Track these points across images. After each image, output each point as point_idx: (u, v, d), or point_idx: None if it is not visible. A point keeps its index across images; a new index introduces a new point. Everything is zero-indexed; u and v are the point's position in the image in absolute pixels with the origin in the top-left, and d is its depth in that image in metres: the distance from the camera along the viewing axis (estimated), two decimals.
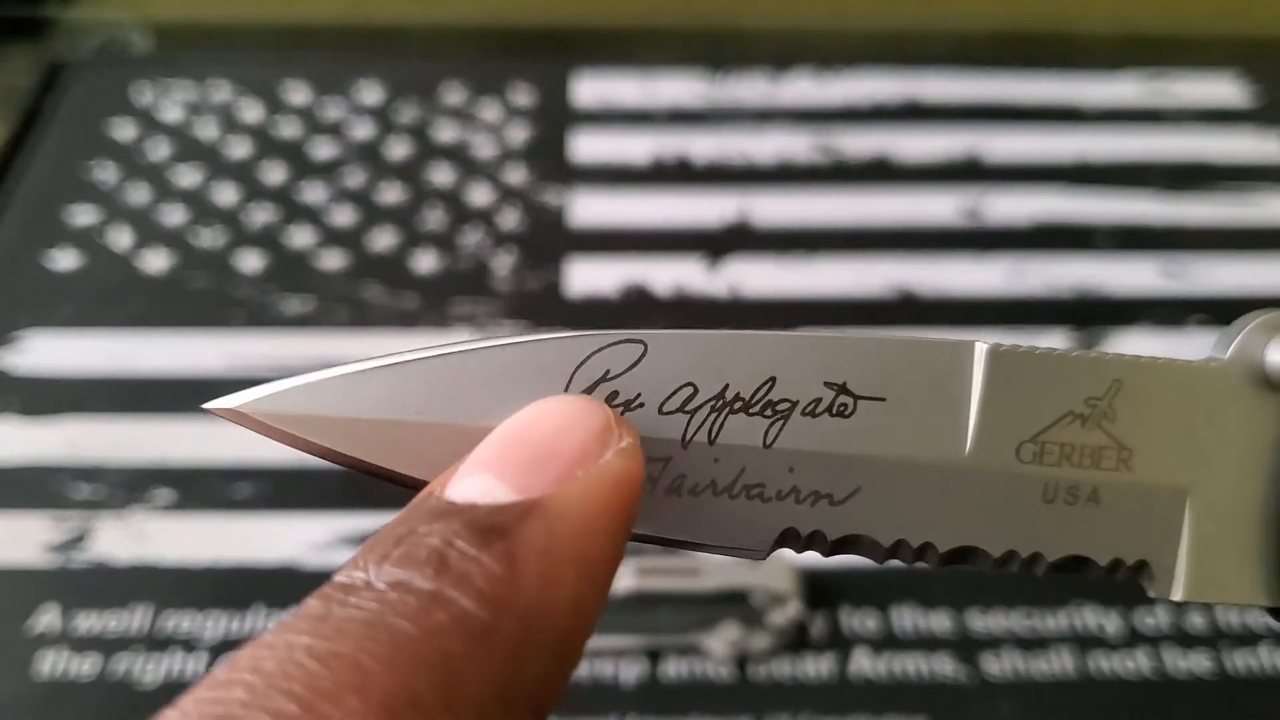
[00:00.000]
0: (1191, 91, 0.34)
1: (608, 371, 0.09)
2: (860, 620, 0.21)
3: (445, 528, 0.08)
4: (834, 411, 0.09)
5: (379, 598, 0.07)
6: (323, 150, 0.32)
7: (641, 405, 0.09)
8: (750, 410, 0.09)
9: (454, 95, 0.33)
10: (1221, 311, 0.27)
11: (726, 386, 0.09)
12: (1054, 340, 0.27)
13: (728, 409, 0.09)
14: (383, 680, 0.07)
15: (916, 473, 0.09)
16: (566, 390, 0.09)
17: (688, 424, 0.09)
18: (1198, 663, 0.21)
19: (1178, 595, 0.09)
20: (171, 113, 0.33)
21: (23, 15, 0.37)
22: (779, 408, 0.09)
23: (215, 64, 0.34)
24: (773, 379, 0.09)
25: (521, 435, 0.08)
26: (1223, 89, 0.34)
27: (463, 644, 0.07)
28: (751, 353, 0.09)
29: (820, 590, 0.22)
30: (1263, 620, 0.22)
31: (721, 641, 0.20)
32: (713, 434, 0.09)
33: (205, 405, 0.09)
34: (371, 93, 0.34)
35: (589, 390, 0.09)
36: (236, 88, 0.33)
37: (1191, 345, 0.27)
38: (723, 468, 0.09)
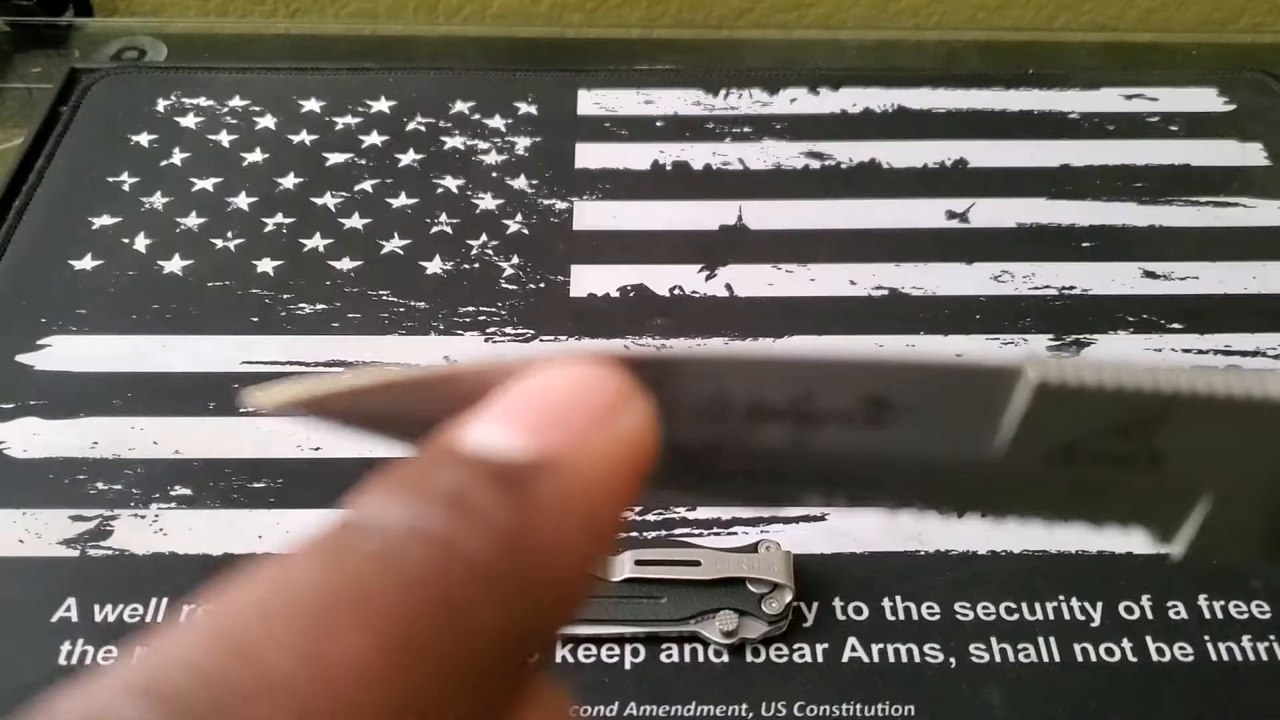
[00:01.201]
0: (1173, 100, 0.35)
1: (640, 386, 0.09)
2: (852, 609, 0.22)
3: (462, 474, 0.08)
4: (869, 423, 0.09)
5: (388, 536, 0.07)
6: (335, 158, 0.33)
7: (672, 416, 0.09)
8: (783, 420, 0.09)
9: (462, 105, 0.34)
10: (1201, 315, 0.28)
11: (761, 401, 0.09)
12: (1037, 341, 0.28)
13: (761, 419, 0.09)
14: (386, 618, 0.07)
15: (941, 474, 0.09)
16: None
17: (719, 434, 0.09)
18: (1180, 651, 0.22)
19: (1176, 553, 0.09)
20: (188, 121, 0.34)
21: (42, 24, 0.39)
22: (813, 418, 0.09)
23: (230, 74, 0.35)
24: (809, 394, 0.09)
25: (542, 393, 0.09)
26: (1203, 98, 0.35)
27: (469, 589, 0.07)
28: (789, 373, 0.09)
29: (813, 580, 0.22)
30: (1244, 609, 0.22)
31: (718, 629, 0.21)
32: (742, 440, 0.09)
33: (250, 397, 0.09)
34: (383, 102, 0.35)
35: None
36: (251, 97, 0.34)
37: (1171, 348, 0.28)
38: (749, 463, 0.09)
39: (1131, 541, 0.25)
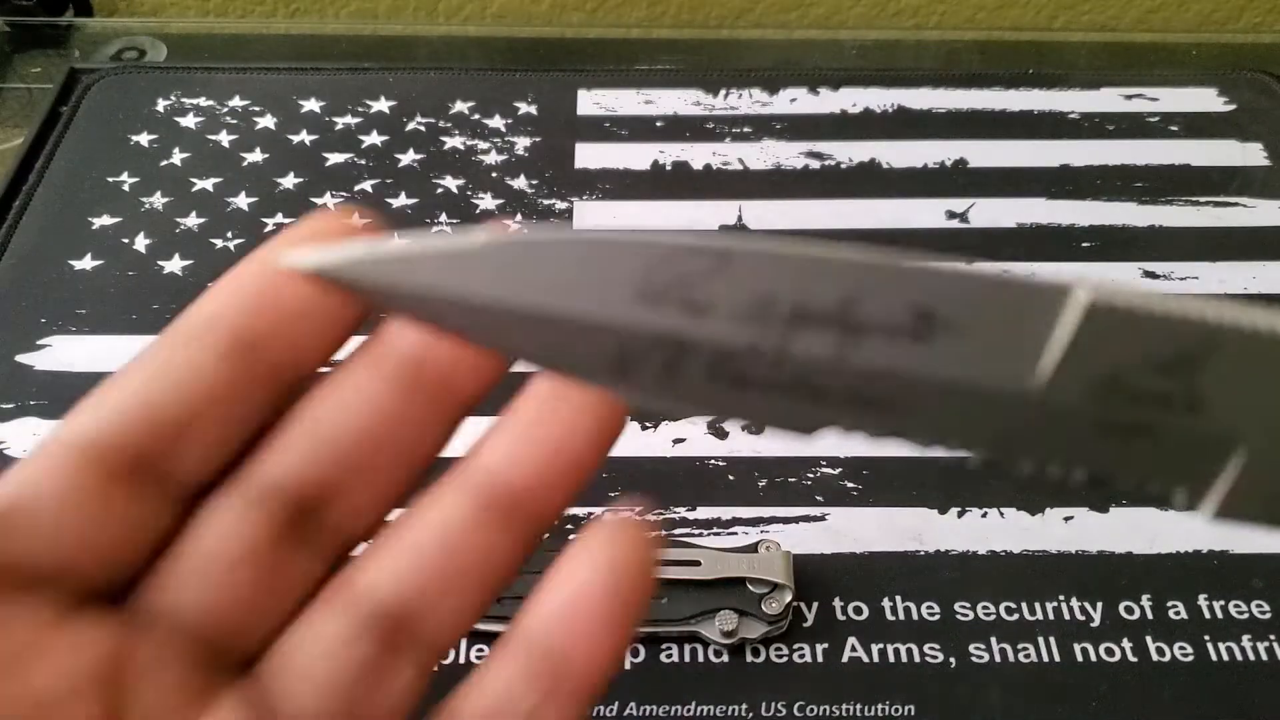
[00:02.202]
0: (1173, 100, 0.35)
1: (685, 275, 0.09)
2: (852, 609, 0.22)
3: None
4: (912, 336, 0.09)
5: None
6: (335, 158, 0.33)
7: (715, 312, 0.09)
8: (826, 327, 0.09)
9: (462, 105, 0.34)
10: None
11: (805, 303, 0.09)
12: None
13: (802, 323, 0.09)
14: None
15: (979, 399, 0.09)
16: (642, 289, 0.09)
17: (759, 333, 0.09)
18: (1180, 651, 0.22)
19: (1208, 513, 0.09)
20: (188, 121, 0.34)
21: (42, 24, 0.39)
22: (856, 328, 0.09)
23: (230, 74, 0.35)
24: (855, 299, 0.09)
25: None
26: (1203, 98, 0.35)
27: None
28: (837, 272, 0.09)
29: (813, 580, 0.22)
30: (1244, 610, 0.22)
31: (718, 629, 0.21)
32: (783, 343, 0.09)
33: (285, 259, 0.09)
34: (382, 102, 0.35)
35: (664, 290, 0.09)
36: (251, 97, 0.34)
37: None
38: (786, 373, 0.09)
39: (1132, 541, 0.25)
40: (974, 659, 0.22)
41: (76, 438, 0.11)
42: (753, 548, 0.22)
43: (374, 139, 0.33)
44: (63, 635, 0.11)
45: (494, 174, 0.32)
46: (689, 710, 0.21)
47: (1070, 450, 0.09)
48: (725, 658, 0.21)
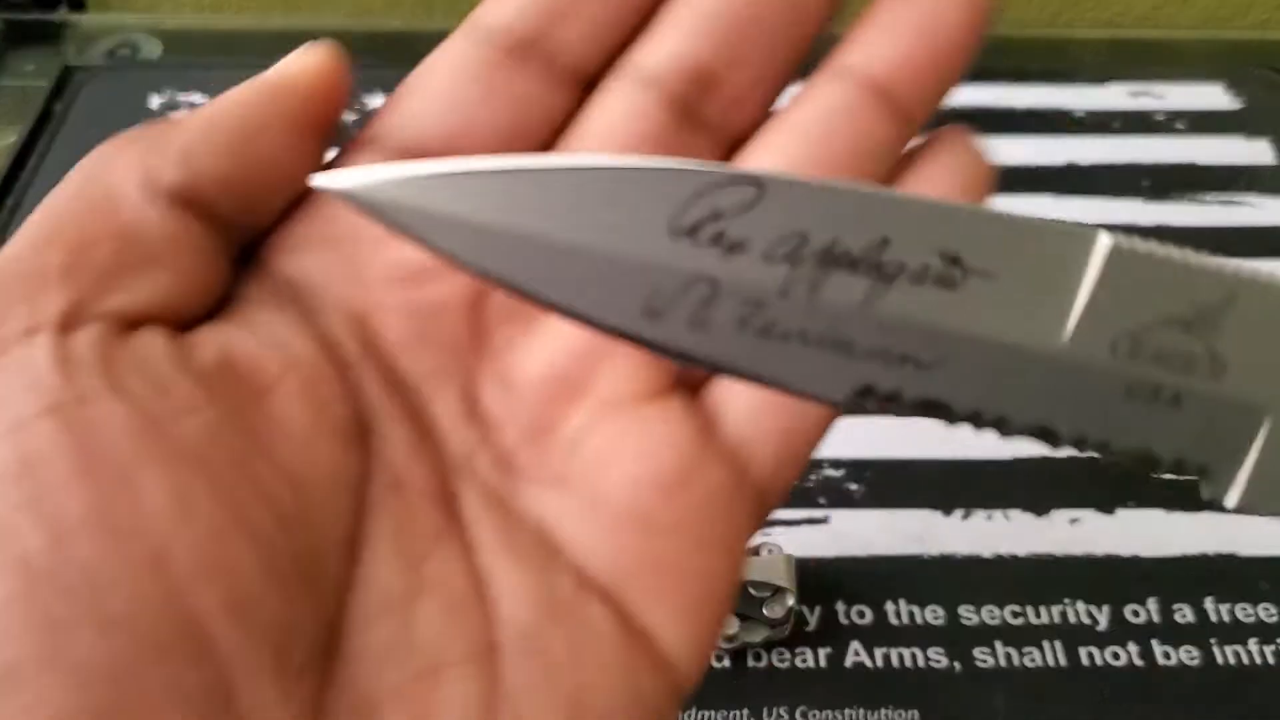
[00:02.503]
0: (1179, 97, 0.35)
1: (720, 209, 0.09)
2: (855, 613, 0.22)
3: None
4: (940, 282, 0.09)
5: None
6: (331, 153, 0.32)
7: (748, 249, 0.09)
8: (857, 269, 0.09)
9: None
10: None
11: (837, 241, 0.09)
12: None
13: (834, 263, 0.09)
14: None
15: (1008, 354, 0.09)
16: (674, 224, 0.09)
17: (790, 274, 0.09)
18: (1186, 655, 0.22)
19: (1231, 503, 0.09)
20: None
21: (36, 20, 0.38)
22: (885, 270, 0.09)
23: (225, 70, 0.35)
24: (886, 239, 0.09)
25: None
26: (1210, 95, 0.35)
27: None
28: (870, 210, 0.09)
29: (816, 584, 0.22)
30: (1250, 613, 0.22)
31: (720, 634, 0.21)
32: (814, 287, 0.09)
33: (313, 182, 0.09)
34: (379, 98, 0.34)
35: (696, 227, 0.09)
36: None
37: None
38: (816, 320, 0.09)
39: (1138, 544, 0.24)
40: (978, 663, 0.21)
41: (468, 28, 0.12)
42: (754, 551, 0.22)
43: None
44: None
45: None
46: (690, 715, 0.20)
47: (1102, 416, 0.09)
48: (726, 663, 0.21)
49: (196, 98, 0.34)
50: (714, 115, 0.12)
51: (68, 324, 0.10)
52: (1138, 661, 0.21)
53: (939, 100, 0.12)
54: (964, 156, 0.12)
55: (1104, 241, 0.09)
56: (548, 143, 0.12)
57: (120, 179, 0.11)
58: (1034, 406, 0.09)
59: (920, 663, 0.21)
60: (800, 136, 0.12)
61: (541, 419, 0.12)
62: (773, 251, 0.09)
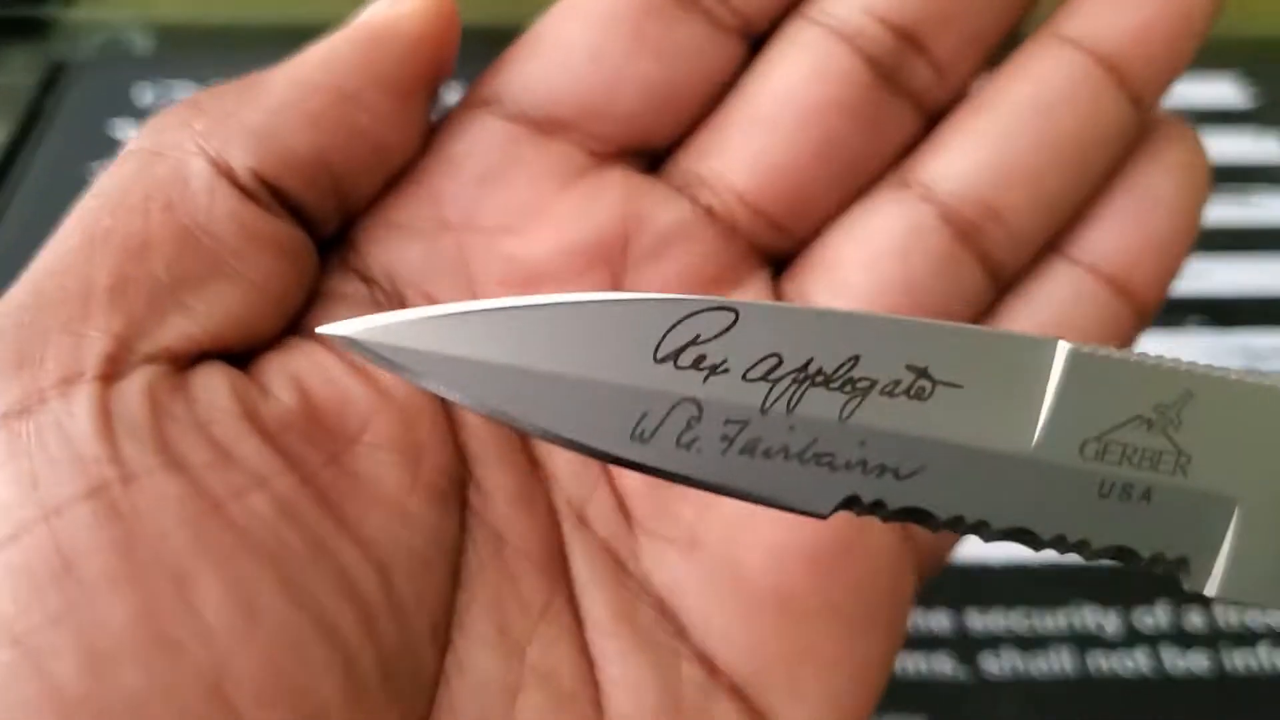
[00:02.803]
0: (1191, 92, 0.34)
1: (698, 336, 0.09)
2: None
3: None
4: (911, 393, 0.09)
5: None
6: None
7: (727, 370, 0.09)
8: (831, 385, 0.09)
9: (454, 94, 0.34)
10: (1220, 312, 0.28)
11: (811, 360, 0.09)
12: None
13: (809, 381, 0.09)
14: None
15: (982, 459, 0.09)
16: (656, 351, 0.09)
17: (769, 392, 0.09)
18: (1196, 662, 0.21)
19: (1212, 591, 0.10)
20: None
21: (24, 15, 0.38)
22: (859, 385, 0.09)
23: (217, 65, 0.34)
24: (856, 357, 0.09)
25: None
26: (1222, 90, 0.34)
27: None
28: (839, 330, 0.09)
29: None
30: (1262, 619, 0.22)
31: None
32: (791, 404, 0.09)
33: (319, 329, 0.09)
34: None
35: (678, 352, 0.09)
36: None
37: (1191, 346, 0.27)
38: (797, 436, 0.09)
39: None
40: (985, 670, 0.21)
41: None
42: None
43: None
44: (576, 191, 0.10)
45: None
46: None
47: (1078, 516, 0.09)
48: None
49: (189, 92, 0.33)
50: (920, 81, 0.10)
51: (114, 368, 0.08)
52: (1147, 668, 0.21)
53: (1170, 82, 0.11)
54: (1187, 155, 0.11)
55: (1063, 348, 0.09)
56: (707, 106, 0.10)
57: (180, 163, 0.09)
58: (1011, 510, 0.09)
59: (926, 669, 0.21)
60: (1016, 118, 0.10)
61: None
62: (751, 372, 0.09)
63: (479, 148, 0.10)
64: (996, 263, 0.11)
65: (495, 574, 0.09)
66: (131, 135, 0.32)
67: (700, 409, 0.09)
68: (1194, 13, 0.10)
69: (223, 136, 0.09)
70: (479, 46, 0.11)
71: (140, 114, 0.33)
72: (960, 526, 0.09)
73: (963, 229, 0.10)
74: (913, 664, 0.21)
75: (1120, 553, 0.10)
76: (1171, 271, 0.11)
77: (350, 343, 0.09)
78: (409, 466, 0.09)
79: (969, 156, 0.10)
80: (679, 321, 0.09)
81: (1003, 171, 0.10)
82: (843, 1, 0.10)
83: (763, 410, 0.09)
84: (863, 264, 0.10)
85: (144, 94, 0.34)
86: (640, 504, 0.10)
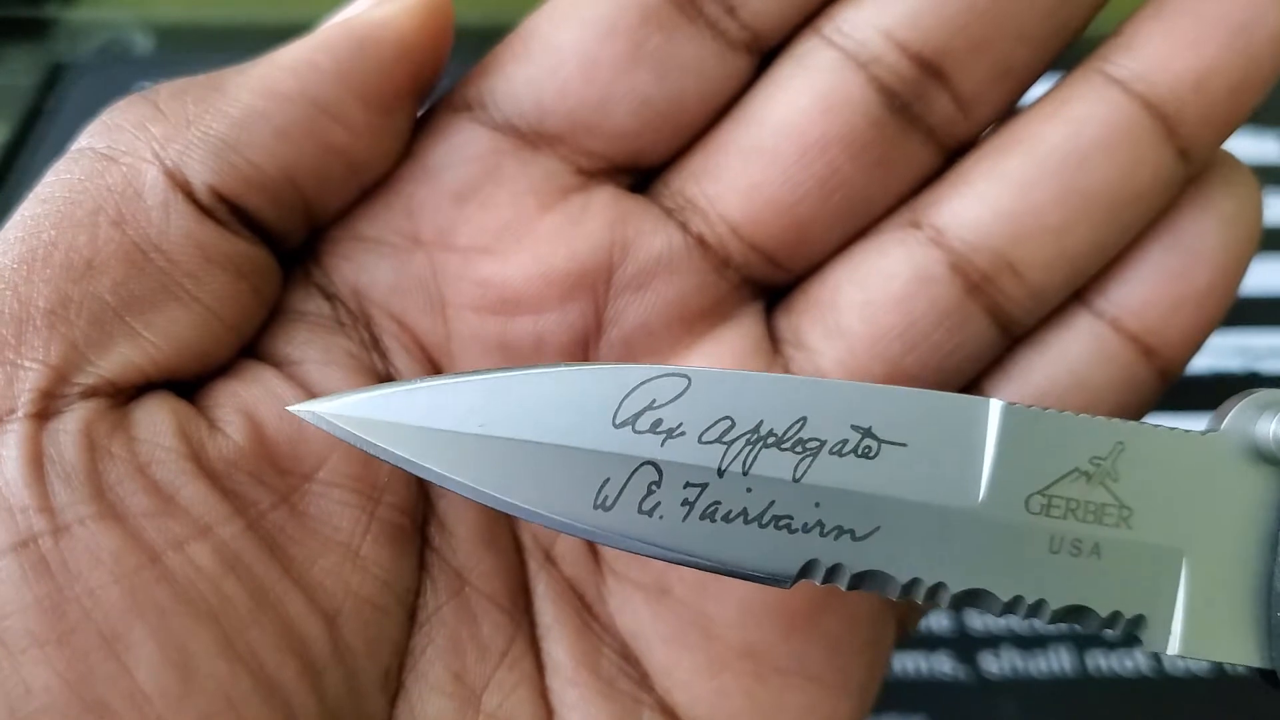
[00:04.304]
0: None
1: (654, 400, 0.09)
2: None
3: None
4: (859, 452, 0.09)
5: None
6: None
7: (683, 434, 0.09)
8: (783, 446, 0.09)
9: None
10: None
11: (761, 422, 0.09)
12: None
13: (761, 443, 0.09)
14: None
15: (932, 516, 0.09)
16: (615, 416, 0.09)
17: (724, 454, 0.09)
18: (1196, 661, 0.21)
19: (1173, 650, 0.10)
20: None
21: (24, 16, 0.38)
22: (809, 445, 0.09)
23: (216, 65, 0.34)
24: (804, 418, 0.09)
25: None
26: None
27: None
28: (786, 393, 0.09)
29: None
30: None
31: None
32: (746, 465, 0.09)
33: (290, 408, 0.08)
34: None
35: (635, 416, 0.09)
36: None
37: None
38: (754, 498, 0.09)
39: None
40: (985, 670, 0.21)
41: None
42: None
43: None
44: (560, 212, 0.09)
45: None
46: None
47: (1032, 574, 0.10)
48: None
49: None
50: (938, 117, 0.09)
51: (48, 405, 0.07)
52: (1147, 669, 0.21)
53: (1227, 136, 0.09)
54: (1238, 205, 0.09)
55: (996, 405, 0.10)
56: (704, 127, 0.09)
57: (134, 173, 0.08)
58: (966, 569, 0.09)
59: (926, 669, 0.21)
60: (1044, 164, 0.09)
61: None
62: (706, 434, 0.09)
63: (459, 158, 0.09)
64: (1009, 318, 0.10)
65: (454, 616, 0.09)
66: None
67: (660, 472, 0.09)
68: (1265, 57, 0.09)
69: (181, 146, 0.08)
70: (473, 46, 0.11)
71: None
72: (918, 591, 0.09)
73: (974, 281, 0.09)
74: (913, 664, 0.21)
75: (1077, 613, 0.10)
76: (1205, 333, 0.10)
77: (317, 418, 0.08)
78: (365, 506, 0.09)
79: (988, 202, 0.09)
80: (635, 388, 0.09)
81: (1023, 222, 0.09)
82: (862, 18, 0.09)
83: (719, 472, 0.09)
84: (861, 308, 0.09)
85: None
86: None
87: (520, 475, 0.09)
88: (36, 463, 0.07)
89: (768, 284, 0.10)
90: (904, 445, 0.09)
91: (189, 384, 0.09)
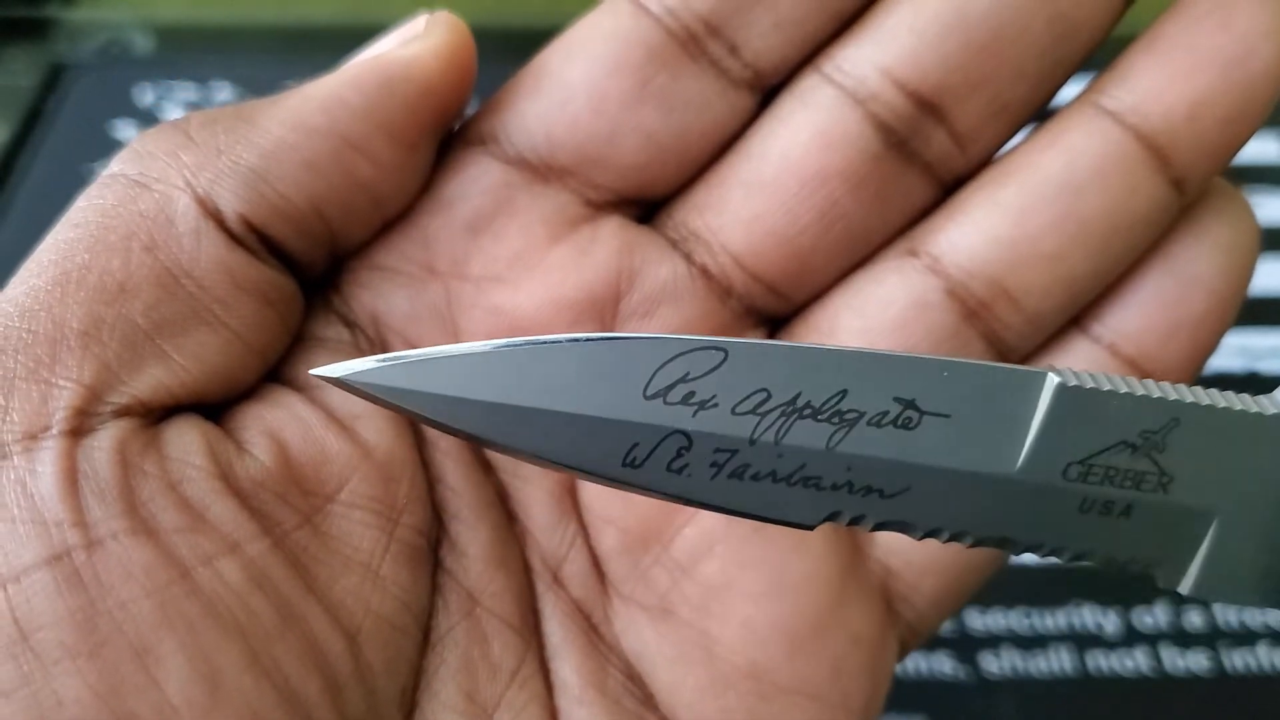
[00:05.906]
0: None
1: (688, 373, 0.09)
2: None
3: None
4: (899, 423, 0.09)
5: None
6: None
7: (716, 405, 0.09)
8: (819, 417, 0.09)
9: None
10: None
11: (799, 394, 0.09)
12: None
13: (797, 414, 0.09)
14: None
15: (964, 480, 0.09)
16: (646, 388, 0.09)
17: (757, 424, 0.09)
18: (1196, 661, 0.21)
19: (1185, 589, 0.10)
20: (173, 113, 0.33)
21: (24, 16, 0.38)
22: (846, 416, 0.09)
23: (216, 65, 0.34)
24: (844, 391, 0.09)
25: None
26: None
27: None
28: (827, 365, 0.09)
29: None
30: (1260, 619, 0.22)
31: None
32: (779, 435, 0.09)
33: (311, 371, 0.08)
34: None
35: (668, 389, 0.09)
36: (238, 88, 0.33)
37: None
38: (785, 462, 0.09)
39: None
40: (985, 670, 0.21)
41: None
42: None
43: None
44: (569, 242, 0.09)
45: None
46: None
47: (1057, 529, 0.10)
48: None
49: (190, 94, 0.33)
50: (935, 152, 0.09)
51: (82, 422, 0.08)
52: (1147, 668, 0.21)
53: (1222, 166, 0.09)
54: (1233, 232, 0.09)
55: (1052, 380, 0.09)
56: (708, 161, 0.09)
57: (166, 200, 0.08)
58: (991, 524, 0.09)
59: (926, 669, 0.21)
60: (1038, 192, 0.09)
61: (652, 523, 0.10)
62: (740, 407, 0.09)
63: (472, 190, 0.10)
64: (1005, 344, 0.10)
65: (466, 636, 0.09)
66: (130, 137, 0.32)
67: (690, 440, 0.09)
68: (1259, 86, 0.09)
69: (212, 175, 0.09)
70: (480, 48, 0.11)
71: (140, 114, 0.33)
72: (938, 535, 0.09)
73: (970, 307, 0.10)
74: (913, 664, 0.21)
75: (1096, 560, 0.10)
76: (1201, 358, 0.10)
77: (345, 384, 0.08)
78: (385, 527, 0.09)
79: (984, 230, 0.09)
80: (669, 360, 0.09)
81: (1019, 249, 0.09)
82: (861, 56, 0.09)
83: (751, 441, 0.09)
84: (859, 335, 0.10)
85: (144, 94, 0.34)
86: (615, 565, 0.10)
87: (552, 439, 0.09)
88: (71, 478, 0.07)
89: (769, 313, 0.10)
90: (947, 416, 0.09)
91: (215, 406, 0.09)
